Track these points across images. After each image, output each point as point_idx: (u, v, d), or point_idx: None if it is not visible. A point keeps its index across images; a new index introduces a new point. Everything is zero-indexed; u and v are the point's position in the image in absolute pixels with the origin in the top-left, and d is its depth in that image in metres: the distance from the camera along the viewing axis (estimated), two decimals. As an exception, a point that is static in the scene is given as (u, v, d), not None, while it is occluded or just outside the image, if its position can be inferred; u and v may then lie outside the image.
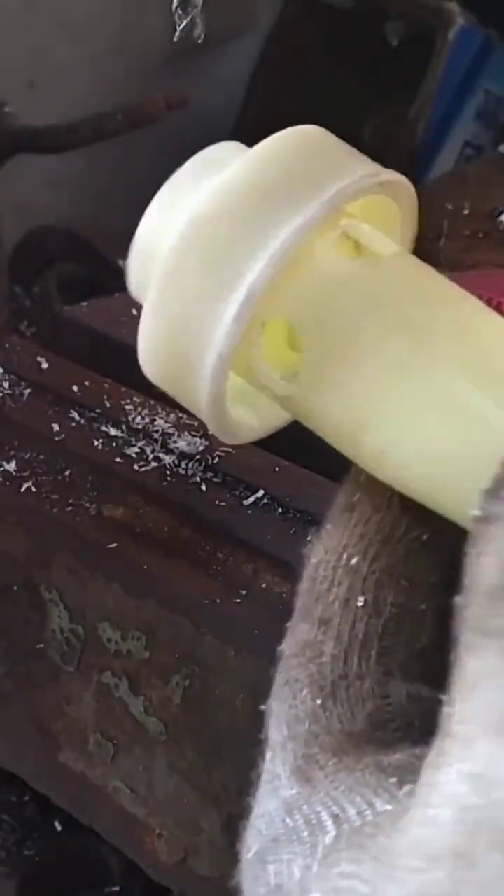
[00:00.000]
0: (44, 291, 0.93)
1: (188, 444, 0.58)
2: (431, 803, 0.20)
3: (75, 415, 0.61)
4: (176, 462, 0.57)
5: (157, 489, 0.56)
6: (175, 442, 0.59)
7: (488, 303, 0.86)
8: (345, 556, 0.28)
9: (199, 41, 1.17)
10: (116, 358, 0.67)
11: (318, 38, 1.20)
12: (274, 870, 0.23)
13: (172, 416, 0.61)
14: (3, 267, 0.92)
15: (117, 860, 0.68)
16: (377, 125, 1.17)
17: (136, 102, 0.93)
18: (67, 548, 0.56)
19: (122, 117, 0.91)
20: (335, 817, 0.23)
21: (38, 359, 0.66)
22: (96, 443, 0.59)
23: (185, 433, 0.59)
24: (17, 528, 0.58)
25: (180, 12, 1.14)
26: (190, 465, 0.57)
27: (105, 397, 0.62)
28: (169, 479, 0.57)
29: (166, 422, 0.60)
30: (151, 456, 0.58)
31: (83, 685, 0.57)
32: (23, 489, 0.57)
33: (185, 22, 1.15)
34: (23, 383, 0.64)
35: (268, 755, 0.26)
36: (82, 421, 0.61)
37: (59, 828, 0.71)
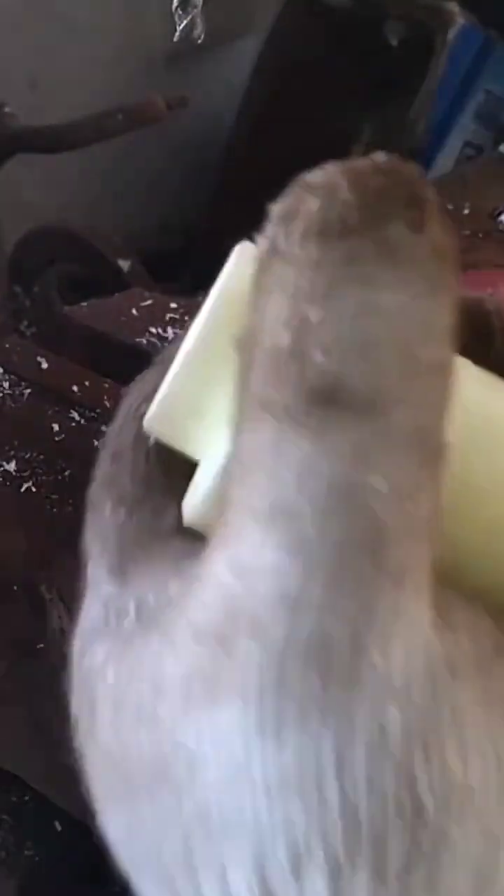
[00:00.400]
0: (44, 291, 0.93)
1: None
2: (203, 586, 0.21)
3: (75, 415, 0.61)
4: (176, 462, 0.57)
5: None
6: (175, 442, 0.59)
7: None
8: (136, 405, 0.27)
9: (199, 41, 1.17)
10: (116, 358, 0.67)
11: (318, 38, 1.20)
12: (88, 659, 0.24)
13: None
14: (2, 267, 0.92)
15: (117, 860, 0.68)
16: (377, 125, 1.17)
17: (136, 102, 0.93)
18: (67, 548, 0.56)
19: (122, 117, 0.91)
20: (138, 605, 0.23)
21: (38, 359, 0.66)
22: (96, 443, 0.59)
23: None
24: (17, 528, 0.58)
25: (180, 12, 1.14)
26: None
27: (105, 397, 0.62)
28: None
29: (166, 422, 0.60)
30: (151, 456, 0.58)
31: (83, 685, 0.57)
32: (23, 489, 0.57)
33: (185, 22, 1.15)
34: (23, 383, 0.64)
35: (88, 566, 0.26)
36: (82, 421, 0.61)
37: (59, 828, 0.71)
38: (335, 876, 0.19)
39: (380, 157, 0.21)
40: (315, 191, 0.20)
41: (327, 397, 0.19)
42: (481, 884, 0.19)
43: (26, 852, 0.72)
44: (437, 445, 0.20)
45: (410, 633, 0.20)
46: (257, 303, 0.21)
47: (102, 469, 0.27)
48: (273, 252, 0.20)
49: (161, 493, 0.26)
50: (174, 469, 0.25)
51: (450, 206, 0.95)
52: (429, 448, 0.20)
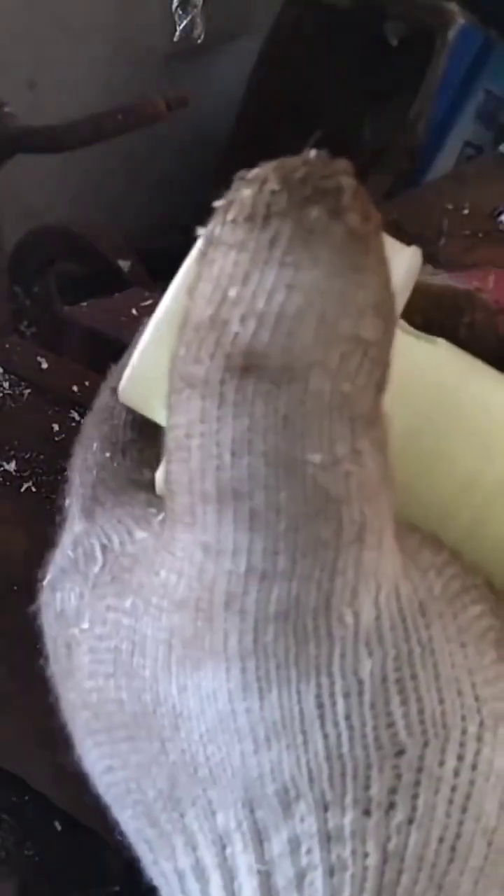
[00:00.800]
0: (44, 291, 0.93)
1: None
2: (175, 553, 0.22)
3: (75, 415, 0.61)
4: (176, 462, 0.57)
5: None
6: (175, 442, 0.59)
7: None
8: None
9: (199, 41, 1.17)
10: (116, 358, 0.67)
11: (318, 38, 1.20)
12: (59, 597, 0.25)
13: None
14: (3, 267, 0.92)
15: (117, 860, 0.68)
16: (377, 125, 1.17)
17: (136, 102, 0.93)
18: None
19: (122, 117, 0.91)
20: (104, 547, 0.24)
21: (38, 359, 0.66)
22: (96, 443, 0.59)
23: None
24: (17, 528, 0.58)
25: (180, 12, 1.14)
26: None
27: (105, 397, 0.62)
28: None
29: (166, 422, 0.60)
30: (151, 456, 0.58)
31: (83, 685, 0.57)
32: (23, 489, 0.57)
33: (185, 22, 1.15)
34: (23, 383, 0.64)
35: (66, 500, 0.28)
36: (82, 421, 0.61)
37: (59, 828, 0.71)
38: (323, 813, 0.20)
39: (311, 153, 0.23)
40: (248, 182, 0.22)
41: (244, 365, 0.20)
42: (459, 812, 0.20)
43: (26, 852, 0.72)
44: (369, 412, 0.21)
45: (377, 585, 0.21)
46: (191, 288, 0.22)
47: (102, 401, 0.30)
48: (209, 241, 0.22)
49: (148, 448, 0.27)
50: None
51: (450, 206, 0.95)
52: (359, 414, 0.20)
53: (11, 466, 0.58)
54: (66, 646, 0.25)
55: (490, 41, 1.17)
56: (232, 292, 0.21)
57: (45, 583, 0.27)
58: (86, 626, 0.24)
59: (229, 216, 0.21)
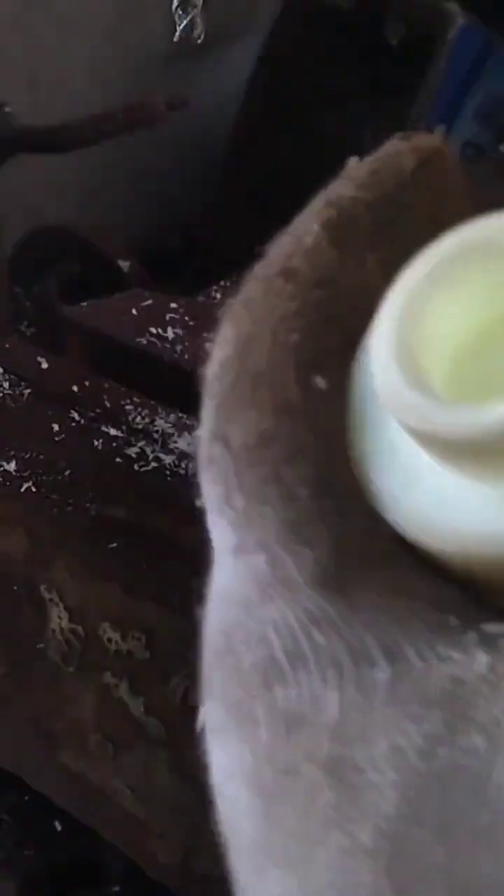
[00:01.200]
0: (44, 291, 0.93)
1: (188, 444, 0.58)
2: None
3: (75, 415, 0.61)
4: (176, 462, 0.57)
5: (157, 489, 0.56)
6: (175, 442, 0.59)
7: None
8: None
9: (199, 41, 1.17)
10: (116, 358, 0.67)
11: (318, 38, 1.20)
12: (284, 694, 0.18)
13: (172, 416, 0.61)
14: (3, 267, 0.92)
15: (117, 860, 0.68)
16: (377, 125, 1.17)
17: (136, 102, 0.93)
18: (67, 548, 0.56)
19: (122, 117, 0.91)
20: (389, 654, 0.18)
21: (38, 359, 0.66)
22: (96, 443, 0.59)
23: (185, 433, 0.59)
24: (17, 528, 0.58)
25: (180, 12, 1.14)
26: (190, 464, 0.57)
27: (105, 397, 0.62)
28: (169, 479, 0.57)
29: (166, 422, 0.60)
30: (151, 456, 0.58)
31: (83, 685, 0.57)
32: (23, 489, 0.57)
33: (185, 22, 1.15)
34: (23, 383, 0.64)
35: (265, 560, 0.19)
36: (82, 421, 0.61)
37: (59, 828, 0.71)
38: None
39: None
40: None
41: None
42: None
43: (26, 852, 0.72)
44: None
45: None
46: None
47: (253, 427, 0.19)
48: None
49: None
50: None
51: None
52: None
53: (11, 466, 0.58)
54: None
55: (490, 41, 1.17)
56: None
57: (244, 667, 0.19)
58: (383, 748, 0.17)
59: None
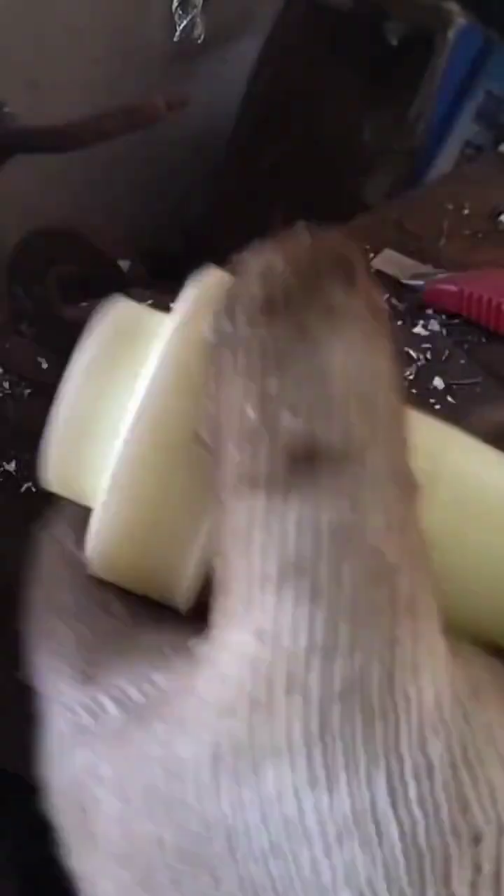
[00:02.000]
0: (44, 292, 0.93)
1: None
2: (220, 662, 0.21)
3: (75, 415, 0.61)
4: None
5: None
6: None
7: (489, 303, 0.86)
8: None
9: (199, 41, 1.17)
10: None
11: (318, 38, 1.21)
12: (68, 768, 0.24)
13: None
14: (3, 267, 0.92)
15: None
16: (377, 125, 1.17)
17: (136, 102, 0.93)
18: (67, 548, 0.56)
19: (122, 117, 0.91)
20: (118, 701, 0.23)
21: (38, 359, 0.66)
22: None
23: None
24: (17, 528, 0.58)
25: (180, 12, 1.15)
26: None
27: (105, 397, 0.62)
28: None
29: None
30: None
31: (83, 685, 0.57)
32: (23, 489, 0.57)
33: (185, 22, 1.15)
34: (23, 383, 0.64)
35: (40, 688, 0.27)
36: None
37: (59, 828, 0.71)
38: None
39: (302, 228, 0.22)
40: (252, 274, 0.21)
41: (306, 455, 0.20)
42: None
43: (26, 852, 0.72)
44: (411, 481, 0.21)
45: (433, 660, 0.20)
46: (212, 391, 0.21)
47: (37, 596, 0.29)
48: (221, 341, 0.21)
49: (99, 591, 0.27)
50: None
51: (450, 206, 0.95)
52: (406, 484, 0.21)
53: (11, 466, 0.58)
54: (82, 810, 0.24)
55: (490, 41, 1.17)
56: (271, 388, 0.21)
57: (44, 772, 0.25)
58: (108, 773, 0.22)
59: (242, 312, 0.21)
